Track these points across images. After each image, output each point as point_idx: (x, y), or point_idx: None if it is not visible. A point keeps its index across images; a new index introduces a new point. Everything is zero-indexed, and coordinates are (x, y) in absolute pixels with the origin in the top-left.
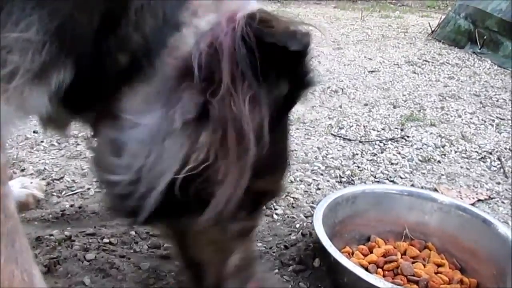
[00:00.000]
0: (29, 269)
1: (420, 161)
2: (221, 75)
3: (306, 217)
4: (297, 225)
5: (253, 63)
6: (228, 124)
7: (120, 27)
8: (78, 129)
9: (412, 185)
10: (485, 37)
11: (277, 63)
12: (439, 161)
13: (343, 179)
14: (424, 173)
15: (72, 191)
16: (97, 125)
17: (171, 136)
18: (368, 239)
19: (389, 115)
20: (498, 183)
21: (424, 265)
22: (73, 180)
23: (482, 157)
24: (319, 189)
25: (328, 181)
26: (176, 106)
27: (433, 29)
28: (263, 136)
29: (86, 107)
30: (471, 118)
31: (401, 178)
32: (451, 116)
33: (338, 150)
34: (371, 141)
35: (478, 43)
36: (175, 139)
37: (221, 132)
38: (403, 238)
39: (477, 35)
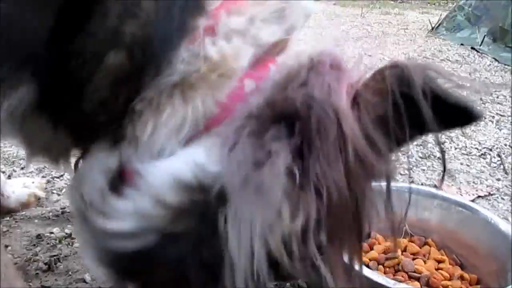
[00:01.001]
0: (11, 286)
1: (420, 157)
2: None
3: None
4: None
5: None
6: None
7: (92, 22)
8: None
9: (412, 182)
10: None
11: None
12: (439, 158)
13: None
14: (424, 170)
15: None
16: (89, 146)
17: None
18: (368, 236)
19: None
20: (498, 180)
21: (425, 262)
22: None
23: (482, 154)
24: None
25: None
26: (257, 156)
27: (433, 25)
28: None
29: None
30: None
31: (401, 174)
32: None
33: None
34: None
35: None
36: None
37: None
38: (402, 234)
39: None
